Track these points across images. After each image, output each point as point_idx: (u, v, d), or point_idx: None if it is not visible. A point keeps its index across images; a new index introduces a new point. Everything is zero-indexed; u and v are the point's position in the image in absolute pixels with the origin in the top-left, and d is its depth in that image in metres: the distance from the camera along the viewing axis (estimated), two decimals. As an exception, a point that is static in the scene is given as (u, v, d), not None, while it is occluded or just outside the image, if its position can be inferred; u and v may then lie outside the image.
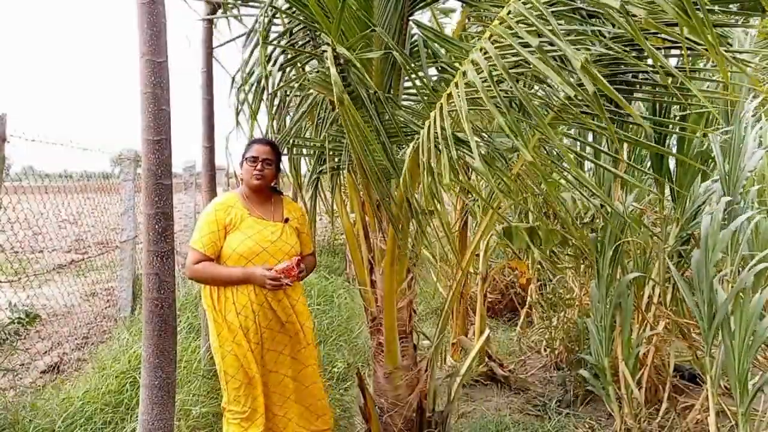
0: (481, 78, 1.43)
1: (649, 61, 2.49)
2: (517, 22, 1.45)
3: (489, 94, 1.40)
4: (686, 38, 1.92)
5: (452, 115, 1.57)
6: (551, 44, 1.98)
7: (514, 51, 1.79)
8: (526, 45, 1.39)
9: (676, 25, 1.93)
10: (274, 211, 2.36)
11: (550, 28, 1.28)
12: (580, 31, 1.74)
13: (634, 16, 1.32)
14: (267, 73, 2.40)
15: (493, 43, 1.48)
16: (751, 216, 2.38)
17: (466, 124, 1.39)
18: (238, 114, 2.56)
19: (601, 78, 1.24)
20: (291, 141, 2.69)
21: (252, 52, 2.54)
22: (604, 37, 1.80)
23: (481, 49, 1.48)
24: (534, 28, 1.39)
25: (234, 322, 2.20)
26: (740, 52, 2.20)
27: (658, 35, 1.85)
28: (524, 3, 1.43)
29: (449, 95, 1.60)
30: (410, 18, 2.24)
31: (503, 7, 1.53)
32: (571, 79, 2.20)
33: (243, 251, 2.21)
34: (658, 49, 2.09)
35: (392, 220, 2.05)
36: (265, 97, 2.51)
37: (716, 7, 1.90)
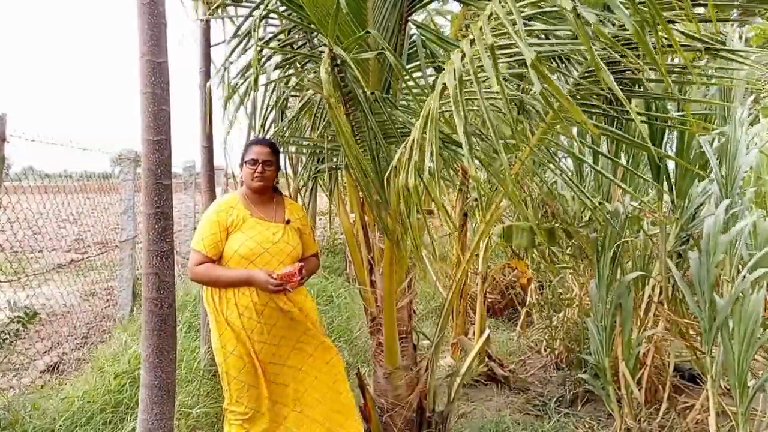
0: (467, 79, 1.43)
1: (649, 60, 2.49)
2: (495, 25, 1.45)
3: (455, 99, 1.39)
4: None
5: (446, 116, 1.57)
6: (551, 46, 1.99)
7: (517, 49, 1.79)
8: (493, 47, 1.38)
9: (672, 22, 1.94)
10: (275, 211, 2.36)
11: (516, 28, 1.28)
12: (573, 34, 1.74)
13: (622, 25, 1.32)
14: (258, 75, 2.40)
15: (471, 45, 1.47)
16: (735, 212, 2.38)
17: (444, 127, 1.39)
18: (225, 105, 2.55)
19: (549, 76, 1.23)
20: (289, 141, 2.69)
21: (245, 52, 2.53)
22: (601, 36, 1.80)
23: (461, 52, 1.48)
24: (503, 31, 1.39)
25: (236, 323, 2.20)
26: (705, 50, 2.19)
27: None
28: (502, 5, 1.42)
29: (440, 93, 1.59)
30: (409, 18, 2.24)
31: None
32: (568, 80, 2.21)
33: (244, 252, 2.20)
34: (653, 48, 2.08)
35: (381, 221, 2.05)
36: (259, 99, 2.52)
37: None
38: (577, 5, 1.21)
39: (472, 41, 1.47)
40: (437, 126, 1.45)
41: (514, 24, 1.30)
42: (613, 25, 2.01)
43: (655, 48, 1.67)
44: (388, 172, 1.79)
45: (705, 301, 2.42)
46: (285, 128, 2.70)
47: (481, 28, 1.41)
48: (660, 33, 1.37)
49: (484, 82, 1.93)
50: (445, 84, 1.48)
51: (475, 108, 2.18)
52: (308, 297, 2.41)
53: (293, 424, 2.32)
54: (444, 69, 2.29)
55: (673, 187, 2.91)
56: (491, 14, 1.43)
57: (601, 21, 1.91)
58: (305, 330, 2.34)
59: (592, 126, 1.52)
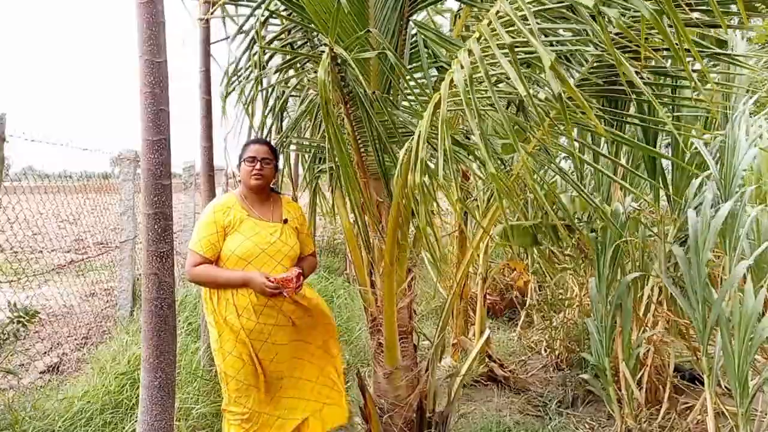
0: (475, 78, 1.42)
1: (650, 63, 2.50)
2: (503, 23, 1.44)
3: (466, 96, 1.39)
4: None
5: (441, 117, 1.57)
6: (551, 44, 1.99)
7: (518, 48, 1.79)
8: (512, 46, 1.38)
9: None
10: (273, 211, 2.35)
11: (529, 27, 1.28)
12: (575, 32, 1.74)
13: (610, 21, 1.32)
14: (260, 77, 2.40)
15: (480, 44, 1.47)
16: (733, 210, 2.37)
17: (444, 129, 1.39)
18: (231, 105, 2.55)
19: (567, 79, 1.23)
20: (290, 141, 2.69)
21: (246, 52, 2.54)
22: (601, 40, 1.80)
23: (468, 51, 1.48)
24: (513, 28, 1.39)
25: (235, 323, 2.19)
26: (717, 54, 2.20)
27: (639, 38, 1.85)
28: (511, 2, 1.42)
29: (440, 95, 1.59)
30: (410, 18, 2.24)
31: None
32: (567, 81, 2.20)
33: (241, 253, 2.20)
34: (656, 50, 2.09)
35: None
36: (260, 99, 2.52)
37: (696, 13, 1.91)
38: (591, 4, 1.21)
39: (479, 38, 1.47)
40: (447, 124, 1.45)
41: (526, 23, 1.29)
42: (613, 25, 2.01)
43: (666, 50, 1.67)
44: (397, 170, 1.79)
45: (698, 300, 2.41)
46: (288, 129, 2.70)
47: (490, 23, 1.41)
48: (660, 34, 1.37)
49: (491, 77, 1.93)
50: (451, 81, 1.48)
51: (473, 107, 2.17)
52: (310, 290, 2.40)
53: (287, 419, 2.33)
54: (446, 69, 2.30)
55: (670, 187, 2.91)
56: (498, 11, 1.43)
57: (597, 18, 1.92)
58: (306, 328, 2.34)
59: (601, 129, 1.52)
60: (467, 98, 1.38)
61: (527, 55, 1.87)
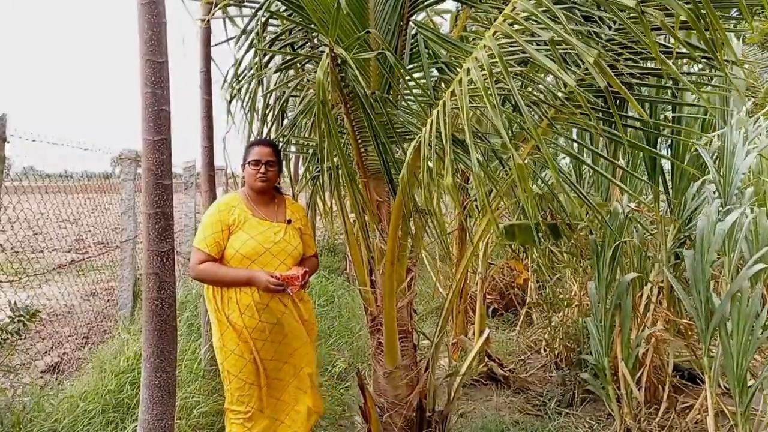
0: (483, 75, 1.43)
1: (648, 64, 2.50)
2: (525, 19, 1.45)
3: (487, 92, 1.40)
4: (687, 43, 1.93)
5: (451, 114, 1.58)
6: (560, 41, 2.00)
7: (517, 48, 1.80)
8: (527, 42, 1.39)
9: (688, 27, 1.94)
10: (277, 211, 2.37)
11: (561, 26, 1.29)
12: (577, 32, 1.75)
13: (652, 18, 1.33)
14: (261, 78, 2.41)
15: (496, 41, 1.48)
16: (742, 214, 2.38)
17: (466, 123, 1.40)
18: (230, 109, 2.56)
19: (612, 74, 1.25)
20: (289, 140, 2.70)
21: (247, 53, 2.55)
22: (601, 38, 1.81)
23: (484, 47, 1.49)
24: (541, 26, 1.40)
25: (238, 322, 2.20)
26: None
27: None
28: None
29: (452, 92, 1.60)
30: (410, 19, 2.24)
31: (503, 8, 1.54)
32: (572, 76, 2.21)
33: (246, 252, 2.21)
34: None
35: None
36: (260, 99, 2.53)
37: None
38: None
39: (495, 33, 1.48)
40: (470, 120, 1.46)
41: (551, 18, 1.30)
42: (610, 28, 2.02)
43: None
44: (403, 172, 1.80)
45: (701, 300, 2.42)
46: (287, 129, 2.71)
47: (506, 20, 1.41)
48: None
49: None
50: (460, 80, 1.48)
51: (480, 106, 2.18)
52: (305, 297, 2.43)
53: (289, 418, 2.34)
54: (446, 70, 2.31)
55: (670, 188, 2.92)
56: (514, 8, 1.43)
57: (597, 24, 1.92)
58: (304, 329, 2.35)
59: (598, 130, 1.53)
60: (487, 93, 1.39)
61: (524, 54, 1.87)
